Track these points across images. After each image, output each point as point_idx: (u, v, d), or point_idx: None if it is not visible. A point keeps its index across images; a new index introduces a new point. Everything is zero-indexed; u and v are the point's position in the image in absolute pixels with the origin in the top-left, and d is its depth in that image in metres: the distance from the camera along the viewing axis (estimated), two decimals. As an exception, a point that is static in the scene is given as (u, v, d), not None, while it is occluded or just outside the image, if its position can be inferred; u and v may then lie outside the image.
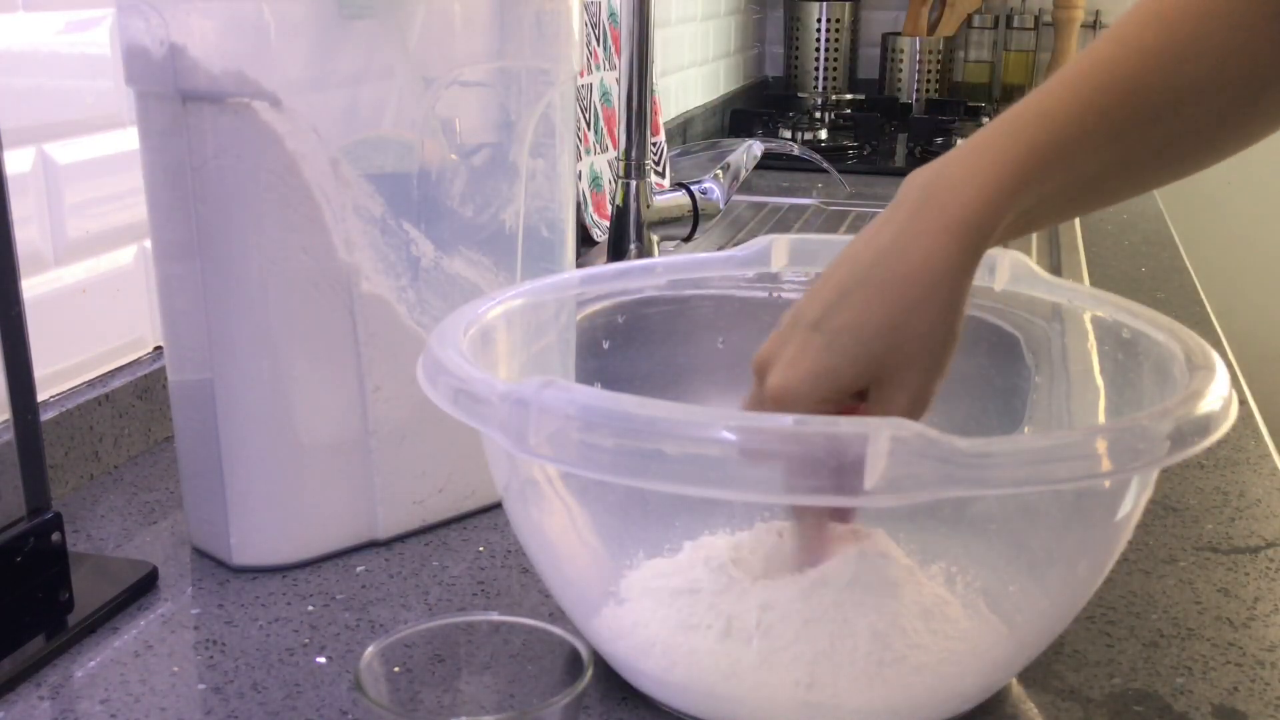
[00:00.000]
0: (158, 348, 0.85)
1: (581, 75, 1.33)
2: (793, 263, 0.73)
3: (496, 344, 0.62)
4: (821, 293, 0.49)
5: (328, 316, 0.65)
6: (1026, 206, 0.49)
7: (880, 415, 0.44)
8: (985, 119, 2.01)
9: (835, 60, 2.37)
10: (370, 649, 0.46)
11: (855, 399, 0.49)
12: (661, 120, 1.57)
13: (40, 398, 0.65)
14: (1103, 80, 0.49)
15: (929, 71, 2.35)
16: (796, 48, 2.39)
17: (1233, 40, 0.48)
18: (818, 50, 2.37)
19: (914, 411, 0.48)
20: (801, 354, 0.48)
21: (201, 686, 0.56)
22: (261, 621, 0.62)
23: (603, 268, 0.72)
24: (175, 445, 0.70)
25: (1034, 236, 1.51)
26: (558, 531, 0.57)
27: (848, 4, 2.36)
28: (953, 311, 0.47)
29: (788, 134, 1.98)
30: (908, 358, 0.47)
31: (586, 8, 1.35)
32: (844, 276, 0.48)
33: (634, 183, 1.14)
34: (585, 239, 1.34)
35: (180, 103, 0.61)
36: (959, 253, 0.47)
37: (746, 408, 0.51)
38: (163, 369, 0.82)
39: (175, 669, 0.58)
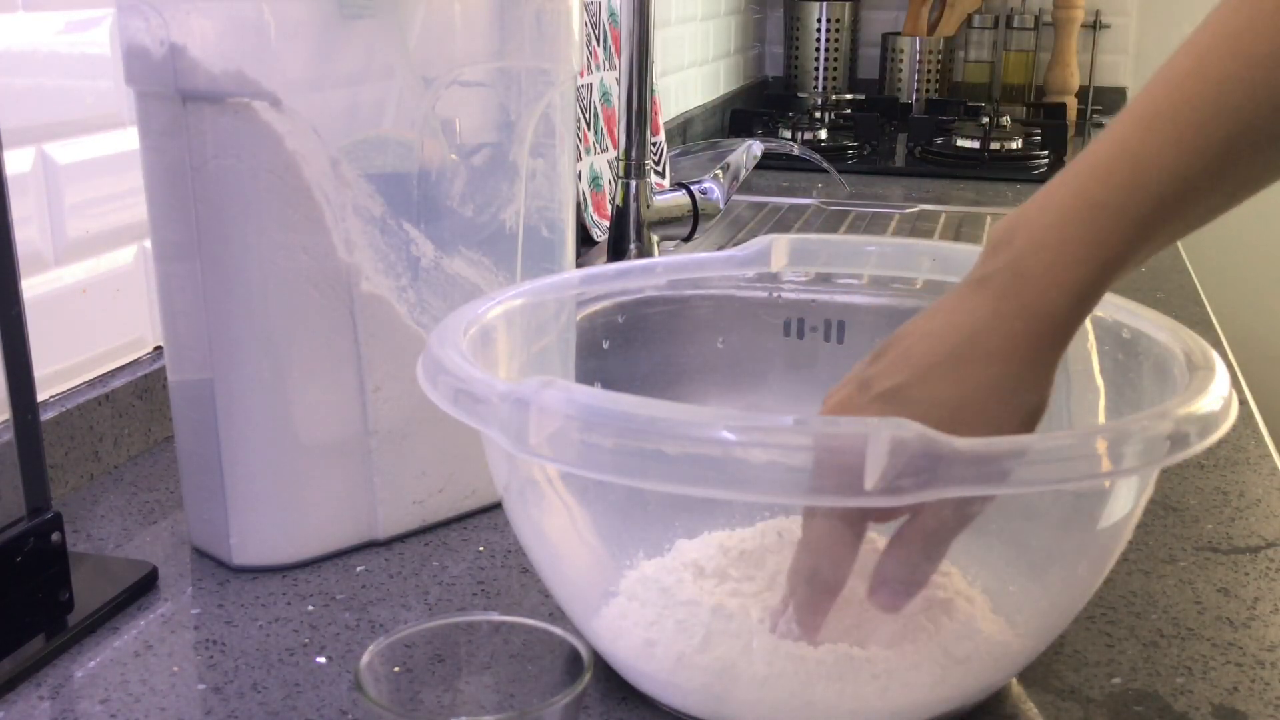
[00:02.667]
0: (158, 348, 0.85)
1: (581, 75, 1.33)
2: (793, 263, 0.73)
3: (496, 344, 0.62)
4: (897, 364, 0.48)
5: (328, 316, 0.65)
6: (1129, 269, 0.48)
7: None
8: (985, 119, 2.01)
9: (835, 60, 2.37)
10: (370, 649, 0.46)
11: None
12: (661, 120, 1.57)
13: (40, 398, 0.65)
14: (1203, 114, 0.44)
15: (929, 71, 2.35)
16: (796, 48, 2.39)
17: None
18: (818, 50, 2.37)
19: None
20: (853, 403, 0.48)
21: (201, 686, 0.56)
22: (261, 621, 0.62)
23: (603, 268, 0.72)
24: (175, 445, 0.70)
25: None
26: (557, 531, 0.57)
27: (848, 4, 2.36)
28: (1036, 392, 0.47)
29: (788, 134, 1.98)
30: (980, 431, 0.46)
31: (586, 8, 1.35)
32: (923, 353, 0.47)
33: (634, 183, 1.14)
34: (585, 239, 1.34)
35: (180, 103, 0.61)
36: (1048, 343, 0.46)
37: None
38: (163, 369, 0.82)
39: (175, 669, 0.58)
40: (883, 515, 0.51)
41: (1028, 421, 0.48)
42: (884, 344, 0.51)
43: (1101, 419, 0.64)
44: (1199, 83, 0.45)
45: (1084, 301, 0.46)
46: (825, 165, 1.57)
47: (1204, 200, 0.47)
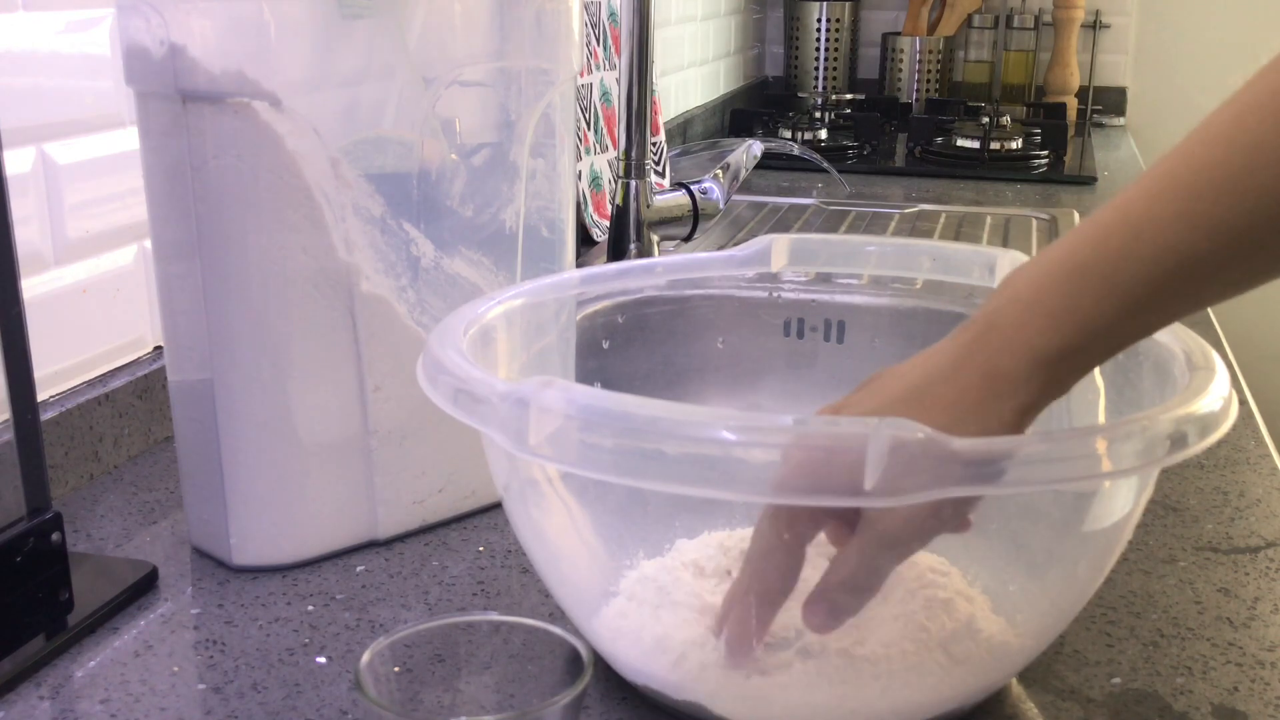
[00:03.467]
0: (158, 348, 0.85)
1: (581, 75, 1.33)
2: (793, 263, 0.73)
3: (496, 344, 0.62)
4: (866, 396, 0.49)
5: (328, 316, 0.65)
6: (1117, 347, 0.46)
7: None
8: (985, 119, 2.01)
9: (835, 60, 2.37)
10: (370, 649, 0.46)
11: None
12: (661, 120, 1.57)
13: (40, 398, 0.65)
14: (1221, 193, 0.42)
15: (929, 71, 2.35)
16: (796, 48, 2.39)
17: None
18: (818, 50, 2.37)
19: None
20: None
21: (201, 686, 0.56)
22: (261, 621, 0.62)
23: (603, 268, 0.72)
24: (175, 445, 0.70)
25: (1034, 236, 1.51)
26: (557, 531, 0.57)
27: (848, 4, 2.36)
28: (1007, 429, 0.46)
29: (788, 134, 1.98)
30: None
31: (586, 8, 1.35)
32: (889, 388, 0.48)
33: (634, 183, 1.14)
34: (585, 239, 1.34)
35: (180, 103, 0.61)
36: (1005, 404, 0.45)
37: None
38: (163, 369, 0.82)
39: (175, 669, 0.58)
40: (835, 530, 0.51)
41: None
42: (872, 376, 0.51)
43: (1101, 419, 0.64)
44: (1222, 159, 0.42)
45: (1048, 365, 0.44)
46: (825, 165, 1.57)
47: (1215, 280, 0.44)
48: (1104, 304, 0.43)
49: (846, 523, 0.49)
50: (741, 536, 0.62)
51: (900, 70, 2.37)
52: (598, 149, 1.38)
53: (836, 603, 0.49)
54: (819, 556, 0.51)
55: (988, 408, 0.45)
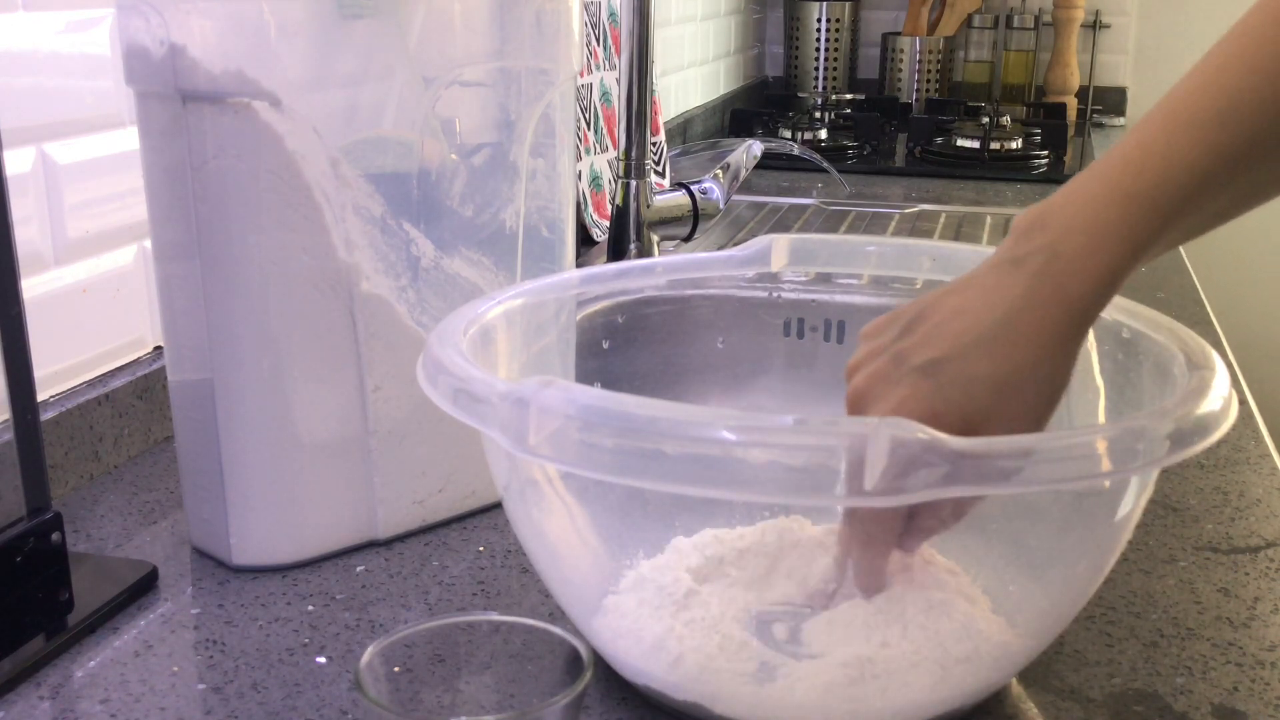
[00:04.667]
0: (158, 348, 0.85)
1: (581, 75, 1.33)
2: (793, 263, 0.73)
3: (496, 344, 0.62)
4: (932, 339, 0.49)
5: (328, 316, 0.65)
6: (1146, 261, 0.50)
7: None
8: (985, 119, 2.01)
9: (835, 60, 2.37)
10: (370, 649, 0.46)
11: None
12: (661, 120, 1.57)
13: (40, 398, 0.65)
14: (1220, 119, 0.47)
15: (929, 71, 2.35)
16: (796, 48, 2.39)
17: None
18: (818, 50, 2.37)
19: None
20: (913, 398, 0.48)
21: (201, 686, 0.56)
22: (261, 621, 0.62)
23: (603, 268, 0.72)
24: (175, 445, 0.70)
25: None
26: (557, 531, 0.57)
27: (848, 4, 2.36)
28: (1062, 373, 0.49)
29: (788, 134, 1.98)
30: (1010, 416, 0.48)
31: (586, 8, 1.35)
32: (960, 330, 0.49)
33: (634, 183, 1.14)
34: (585, 239, 1.34)
35: (180, 103, 0.61)
36: (1076, 326, 0.49)
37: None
38: (163, 369, 0.82)
39: (175, 669, 0.58)
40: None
41: (1054, 402, 0.49)
42: (908, 316, 0.51)
43: (1101, 419, 0.64)
44: (1215, 91, 0.48)
45: (1111, 286, 0.48)
46: (825, 165, 1.57)
47: (1216, 199, 0.49)
48: (1150, 223, 0.48)
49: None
50: (740, 535, 0.62)
51: (900, 70, 2.37)
52: (598, 149, 1.38)
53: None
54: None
55: (1070, 337, 0.48)
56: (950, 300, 0.50)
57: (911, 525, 0.51)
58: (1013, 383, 0.48)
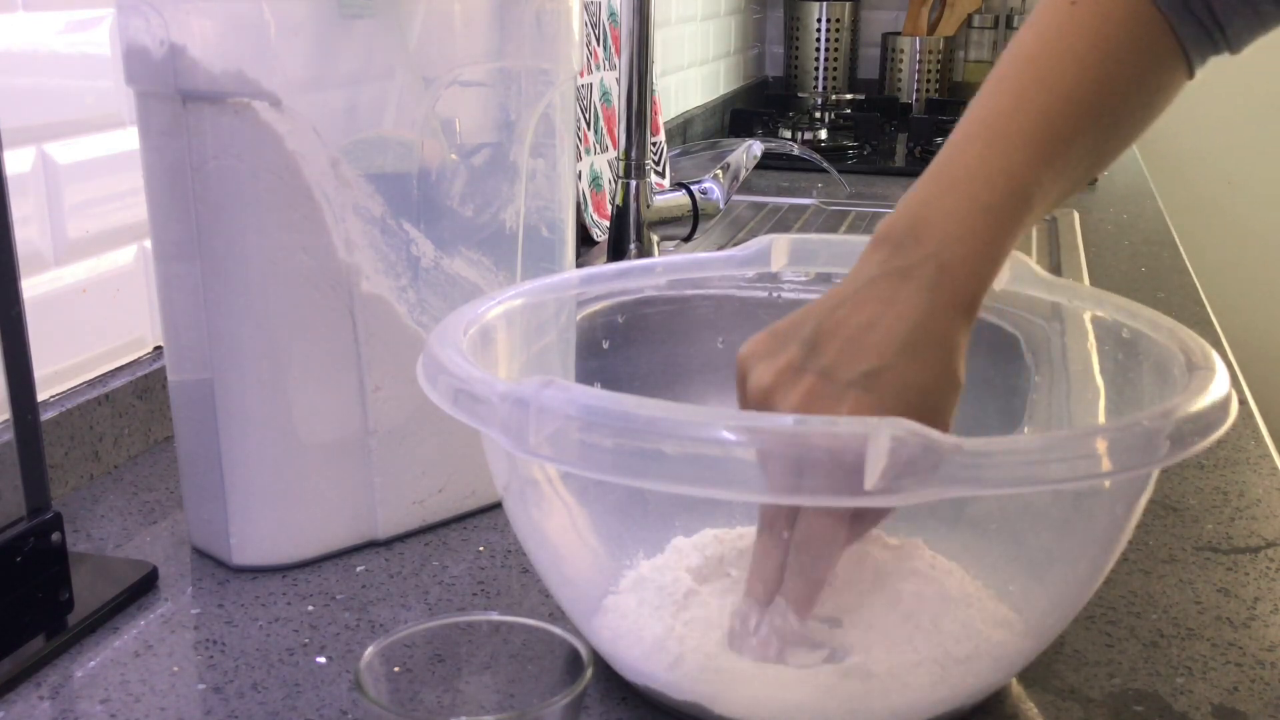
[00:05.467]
0: (158, 348, 0.85)
1: (581, 75, 1.33)
2: (793, 263, 0.73)
3: (496, 344, 0.62)
4: (856, 353, 0.51)
5: (328, 316, 0.65)
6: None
7: None
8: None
9: (835, 60, 2.38)
10: (370, 649, 0.46)
11: None
12: (661, 120, 1.57)
13: (40, 398, 0.65)
14: (1044, 129, 0.53)
15: (929, 71, 2.35)
16: (796, 48, 2.39)
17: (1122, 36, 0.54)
18: (818, 50, 2.37)
19: None
20: (859, 410, 0.50)
21: (201, 686, 0.56)
22: (261, 621, 0.62)
23: (603, 268, 0.72)
24: (175, 445, 0.70)
25: (1034, 236, 1.51)
26: (557, 531, 0.57)
27: (848, 4, 2.36)
28: (961, 372, 0.52)
29: (788, 134, 1.98)
30: (938, 416, 0.51)
31: (586, 8, 1.35)
32: (880, 342, 0.51)
33: (634, 183, 1.14)
34: (585, 239, 1.34)
35: (180, 103, 0.61)
36: (969, 326, 0.52)
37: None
38: (163, 369, 0.82)
39: (175, 669, 0.58)
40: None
41: (956, 400, 0.52)
42: (806, 333, 0.52)
43: (1101, 419, 0.64)
44: (1030, 110, 0.53)
45: (994, 274, 0.53)
46: (825, 165, 1.57)
47: (1058, 187, 0.54)
48: (1014, 225, 0.53)
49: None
50: (740, 535, 0.62)
51: (900, 70, 2.37)
52: (598, 149, 1.38)
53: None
54: None
55: (965, 336, 0.52)
56: (850, 315, 0.52)
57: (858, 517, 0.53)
58: (936, 387, 0.51)
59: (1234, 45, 0.55)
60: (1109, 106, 0.54)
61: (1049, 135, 0.53)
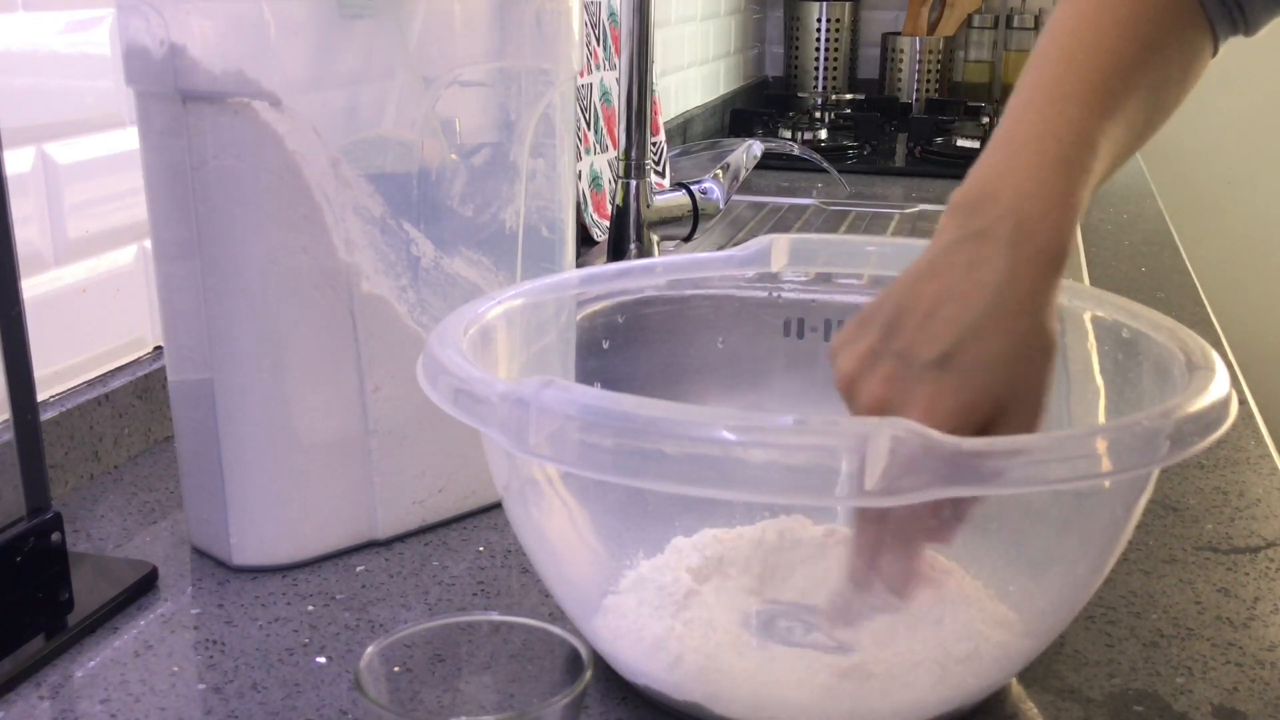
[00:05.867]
0: (158, 348, 0.85)
1: (581, 75, 1.33)
2: (793, 263, 0.73)
3: (496, 344, 0.62)
4: (932, 331, 0.50)
5: (328, 316, 0.65)
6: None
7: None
8: (985, 119, 2.01)
9: (835, 60, 2.37)
10: (370, 649, 0.46)
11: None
12: (661, 120, 1.57)
13: (40, 398, 0.65)
14: (1098, 85, 0.53)
15: (929, 71, 2.35)
16: (796, 48, 2.39)
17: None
18: (818, 50, 2.37)
19: (1036, 426, 0.50)
20: (940, 394, 0.48)
21: (201, 686, 0.56)
22: (261, 621, 0.62)
23: (603, 268, 0.72)
24: (175, 445, 0.70)
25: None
26: (557, 532, 0.57)
27: (848, 4, 2.36)
28: (1054, 328, 0.51)
29: (788, 134, 1.98)
30: (1030, 384, 0.49)
31: (586, 8, 1.35)
32: (957, 314, 0.49)
33: (634, 183, 1.14)
34: (585, 239, 1.34)
35: (180, 103, 0.61)
36: (1056, 280, 0.51)
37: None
38: (163, 369, 0.82)
39: (175, 669, 0.58)
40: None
41: (1054, 359, 0.51)
42: (885, 314, 0.51)
43: (1101, 419, 0.64)
44: (1081, 67, 0.54)
45: (1073, 237, 0.52)
46: (825, 165, 1.57)
47: (1121, 139, 0.54)
48: (1086, 177, 0.52)
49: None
50: (740, 535, 0.62)
51: (900, 70, 2.37)
52: (598, 149, 1.38)
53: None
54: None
55: (1053, 291, 0.51)
56: (927, 288, 0.50)
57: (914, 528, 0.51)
58: (1023, 352, 0.49)
59: (1250, 23, 0.56)
60: (1154, 66, 0.55)
61: (1104, 90, 0.53)
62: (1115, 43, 0.54)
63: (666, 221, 1.17)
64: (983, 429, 0.48)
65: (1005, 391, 0.48)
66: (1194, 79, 0.58)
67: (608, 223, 1.19)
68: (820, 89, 2.36)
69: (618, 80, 1.35)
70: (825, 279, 0.75)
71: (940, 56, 2.36)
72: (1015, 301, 0.49)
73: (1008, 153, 0.53)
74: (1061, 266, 0.51)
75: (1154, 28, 0.55)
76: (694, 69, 2.01)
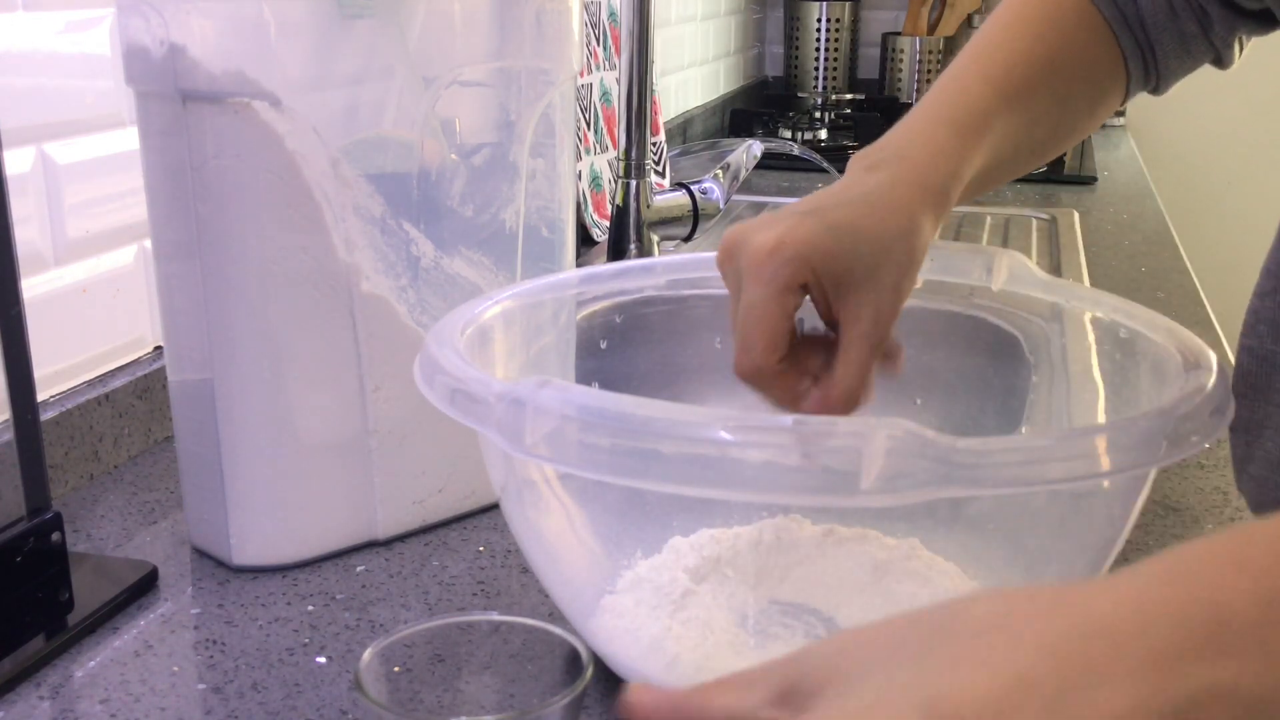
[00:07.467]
0: (158, 348, 0.85)
1: (581, 75, 1.33)
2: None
3: (494, 344, 0.62)
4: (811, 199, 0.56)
5: (328, 316, 0.65)
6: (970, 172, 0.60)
7: (849, 325, 0.53)
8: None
9: (835, 60, 2.37)
10: (370, 649, 0.46)
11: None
12: (661, 120, 1.57)
13: (40, 398, 0.65)
14: (976, 121, 0.60)
15: (929, 71, 2.35)
16: (796, 48, 2.39)
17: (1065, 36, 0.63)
18: (818, 50, 2.37)
19: (878, 330, 0.54)
20: (775, 220, 0.54)
21: (201, 686, 0.56)
22: (261, 621, 0.62)
23: (602, 267, 0.72)
24: (175, 445, 0.70)
25: (1034, 236, 1.51)
26: (555, 532, 0.57)
27: (848, 4, 2.36)
28: (922, 240, 0.55)
29: (788, 134, 1.98)
30: (883, 273, 0.54)
31: (586, 8, 1.35)
32: (835, 203, 0.55)
33: (634, 183, 1.14)
34: (585, 239, 1.34)
35: (180, 103, 0.61)
36: (932, 204, 0.56)
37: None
38: (163, 369, 0.82)
39: (175, 669, 0.58)
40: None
41: (915, 266, 0.55)
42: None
43: (1101, 419, 0.64)
44: (964, 103, 0.60)
45: (954, 178, 0.57)
46: (825, 165, 1.57)
47: (1023, 118, 0.61)
48: (978, 136, 0.59)
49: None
50: (738, 535, 0.62)
51: (900, 70, 2.37)
52: (598, 149, 1.38)
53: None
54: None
55: (926, 208, 0.56)
56: (822, 198, 0.56)
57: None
58: (884, 243, 0.54)
59: (1162, 75, 0.64)
60: (1062, 74, 0.62)
61: (1005, 79, 0.60)
62: (1029, 45, 0.61)
63: (666, 221, 1.17)
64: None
65: (860, 268, 0.53)
66: (1108, 105, 0.65)
67: (608, 223, 1.19)
68: (820, 89, 2.36)
69: (618, 80, 1.35)
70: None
71: (940, 56, 2.35)
72: (886, 205, 0.55)
73: (908, 119, 0.60)
74: (939, 199, 0.56)
75: (1063, 37, 0.62)
76: (694, 69, 2.01)
